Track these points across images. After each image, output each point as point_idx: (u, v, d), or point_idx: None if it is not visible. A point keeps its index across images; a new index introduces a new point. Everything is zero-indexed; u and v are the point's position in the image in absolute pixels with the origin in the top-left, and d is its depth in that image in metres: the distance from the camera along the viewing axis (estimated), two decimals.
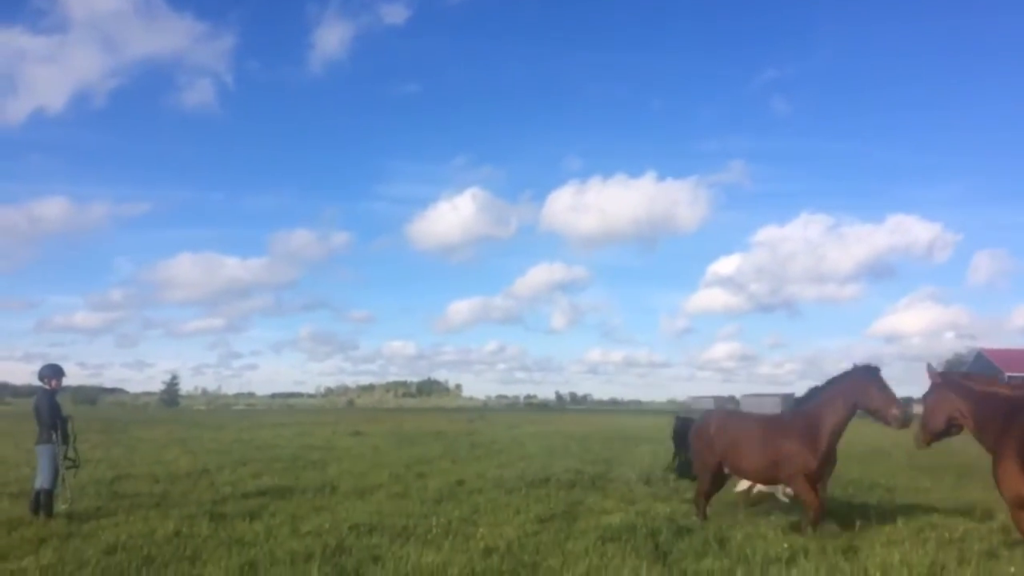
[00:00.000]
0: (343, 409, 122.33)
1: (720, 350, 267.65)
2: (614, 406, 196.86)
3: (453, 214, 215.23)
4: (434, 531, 9.99)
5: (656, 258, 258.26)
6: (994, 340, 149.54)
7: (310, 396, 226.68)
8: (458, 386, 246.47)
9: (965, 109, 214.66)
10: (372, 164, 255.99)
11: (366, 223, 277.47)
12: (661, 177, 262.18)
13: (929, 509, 12.28)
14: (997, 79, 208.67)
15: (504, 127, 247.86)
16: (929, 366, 8.25)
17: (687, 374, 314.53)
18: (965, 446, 29.47)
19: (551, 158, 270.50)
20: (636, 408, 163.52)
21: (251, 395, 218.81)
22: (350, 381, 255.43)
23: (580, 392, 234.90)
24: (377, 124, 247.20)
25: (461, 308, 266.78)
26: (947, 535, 9.78)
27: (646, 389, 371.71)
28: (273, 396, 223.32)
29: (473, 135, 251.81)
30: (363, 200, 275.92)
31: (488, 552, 8.75)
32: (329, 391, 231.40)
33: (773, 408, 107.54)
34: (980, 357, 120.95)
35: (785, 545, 8.90)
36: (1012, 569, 7.81)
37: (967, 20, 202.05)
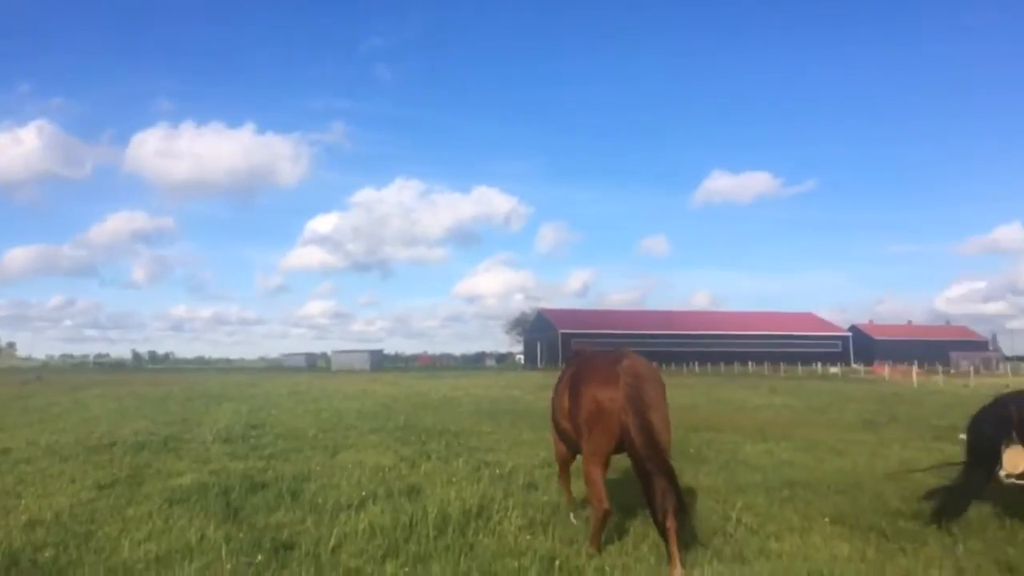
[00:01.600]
0: None
1: (315, 307, 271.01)
2: (201, 364, 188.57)
3: (14, 147, 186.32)
4: None
5: (253, 213, 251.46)
6: (555, 302, 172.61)
7: None
8: (11, 344, 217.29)
9: (540, 89, 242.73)
10: None
11: None
12: (261, 130, 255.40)
13: (487, 450, 13.74)
14: (565, 62, 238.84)
15: (80, 56, 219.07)
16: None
17: (280, 331, 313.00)
18: (524, 395, 33.35)
19: (136, 96, 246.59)
20: (225, 367, 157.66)
21: None
22: None
23: (161, 351, 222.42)
24: None
25: (19, 256, 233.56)
26: (498, 471, 11.05)
27: (236, 347, 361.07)
28: None
29: (40, 60, 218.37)
30: None
31: (32, 525, 7.85)
32: None
33: (362, 364, 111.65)
34: (540, 316, 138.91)
35: (362, 493, 9.28)
36: (545, 498, 9.11)
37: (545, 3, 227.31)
